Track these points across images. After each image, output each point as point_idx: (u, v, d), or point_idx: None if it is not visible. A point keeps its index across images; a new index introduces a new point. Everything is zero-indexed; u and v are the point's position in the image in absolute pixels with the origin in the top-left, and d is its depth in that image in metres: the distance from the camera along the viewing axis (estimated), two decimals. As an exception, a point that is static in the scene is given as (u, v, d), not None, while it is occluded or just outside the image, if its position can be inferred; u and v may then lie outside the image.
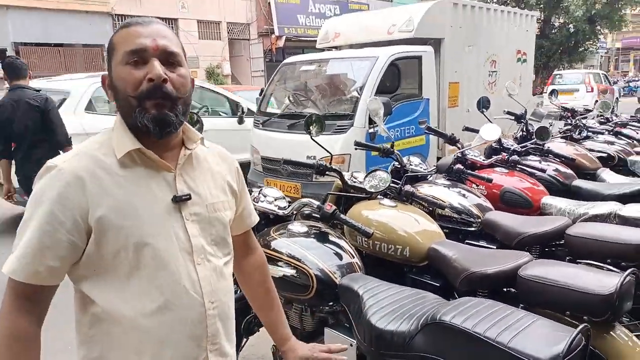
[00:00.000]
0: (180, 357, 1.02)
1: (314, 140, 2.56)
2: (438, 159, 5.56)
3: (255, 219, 1.33)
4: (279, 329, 1.38)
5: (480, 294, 2.01)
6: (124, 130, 1.01)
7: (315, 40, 6.99)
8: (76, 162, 0.97)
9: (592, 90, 14.65)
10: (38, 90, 4.00)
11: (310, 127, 2.63)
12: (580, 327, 1.21)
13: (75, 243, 0.94)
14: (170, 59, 1.00)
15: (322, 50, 6.70)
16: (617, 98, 15.85)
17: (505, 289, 2.03)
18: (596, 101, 6.96)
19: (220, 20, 16.02)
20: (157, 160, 1.02)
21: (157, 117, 0.98)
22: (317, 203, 2.10)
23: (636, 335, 1.77)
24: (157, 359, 1.00)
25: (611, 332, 1.66)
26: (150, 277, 0.98)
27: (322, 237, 2.04)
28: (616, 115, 5.42)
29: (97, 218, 0.94)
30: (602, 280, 1.65)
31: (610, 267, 2.03)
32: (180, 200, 1.03)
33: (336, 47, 6.56)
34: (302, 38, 16.52)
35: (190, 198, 1.04)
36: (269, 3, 16.22)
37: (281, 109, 5.58)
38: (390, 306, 1.64)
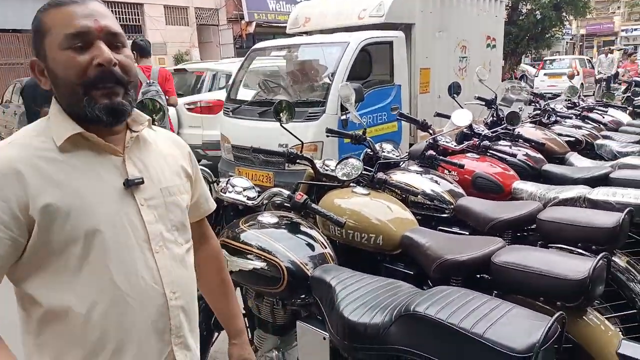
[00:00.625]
0: (144, 352, 0.96)
1: (284, 128, 2.48)
2: (410, 145, 5.55)
3: (212, 205, 1.29)
4: (234, 321, 1.33)
5: (454, 281, 1.98)
6: (62, 116, 0.94)
7: (286, 27, 6.86)
8: (10, 151, 0.88)
9: (578, 74, 16.05)
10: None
11: (280, 114, 2.55)
12: (556, 315, 1.19)
13: (16, 239, 0.86)
14: (114, 41, 0.93)
15: (293, 35, 6.57)
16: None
17: (478, 276, 2.02)
18: (582, 84, 7.88)
19: (188, 5, 15.59)
20: (103, 144, 0.95)
21: (109, 106, 0.91)
22: (288, 192, 2.04)
23: (607, 318, 1.78)
24: (118, 357, 0.93)
25: (584, 317, 1.66)
26: (103, 269, 0.91)
27: (293, 228, 1.97)
28: (583, 100, 5.51)
29: (40, 209, 0.86)
30: (575, 266, 1.64)
31: (582, 251, 2.05)
32: (132, 185, 0.96)
33: (306, 33, 6.44)
34: (273, 24, 16.26)
35: (143, 182, 0.98)
36: (238, -12, 15.88)
37: (251, 96, 5.46)
38: (363, 297, 1.60)
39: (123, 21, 13.76)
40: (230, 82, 5.82)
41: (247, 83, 5.76)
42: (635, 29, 36.13)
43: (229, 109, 5.33)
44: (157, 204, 1.00)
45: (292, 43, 5.67)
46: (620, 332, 1.76)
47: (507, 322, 1.21)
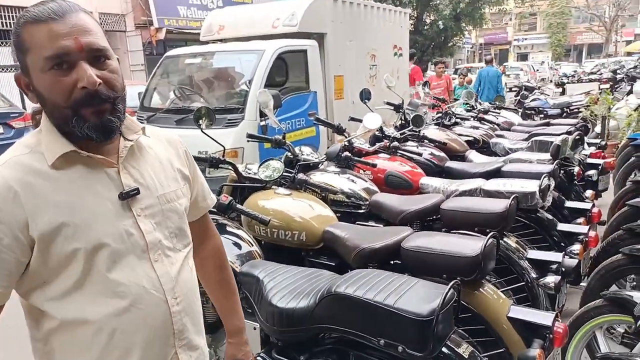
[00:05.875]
0: (148, 357, 0.98)
1: (205, 134, 2.55)
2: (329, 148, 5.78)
3: (212, 201, 1.28)
4: (232, 319, 1.35)
5: (371, 267, 2.18)
6: (53, 132, 0.93)
7: (199, 33, 6.84)
8: (3, 172, 0.88)
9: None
10: None
11: (200, 121, 2.62)
12: (451, 283, 1.41)
13: (18, 259, 0.88)
14: (98, 56, 0.91)
15: (207, 43, 6.58)
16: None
17: (392, 262, 2.23)
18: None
19: (91, 10, 14.85)
20: (96, 157, 0.95)
21: (98, 125, 0.90)
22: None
23: (502, 291, 2.07)
24: None
25: (480, 289, 1.93)
26: (105, 282, 0.93)
27: (220, 229, 2.05)
28: (480, 103, 6.09)
29: (40, 229, 0.87)
30: (469, 245, 1.90)
31: (477, 235, 2.34)
32: (128, 197, 0.96)
33: (221, 40, 6.48)
34: (184, 30, 15.91)
35: (138, 192, 0.98)
36: (146, -7, 15.38)
37: (166, 104, 5.40)
38: (289, 286, 1.74)
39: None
40: (144, 89, 5.71)
41: (161, 91, 5.68)
42: (525, 39, 39.90)
43: (143, 117, 5.23)
44: (155, 212, 1.00)
45: (207, 50, 5.70)
46: (511, 300, 2.06)
47: (413, 293, 1.41)
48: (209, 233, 1.31)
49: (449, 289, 1.38)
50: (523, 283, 2.34)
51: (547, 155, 3.58)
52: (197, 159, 2.64)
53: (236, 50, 5.44)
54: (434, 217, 2.68)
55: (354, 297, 1.44)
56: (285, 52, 5.25)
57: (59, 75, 0.88)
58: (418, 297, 1.40)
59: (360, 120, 3.77)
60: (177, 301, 1.01)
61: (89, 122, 0.90)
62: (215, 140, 2.58)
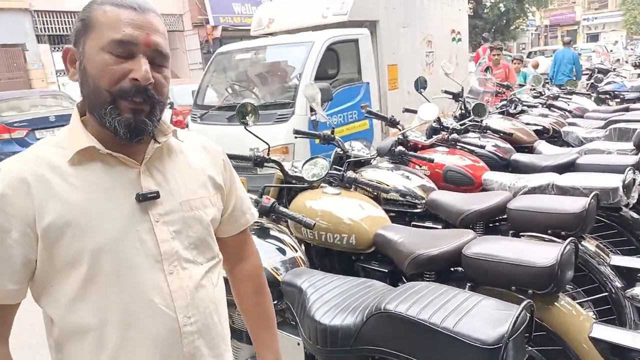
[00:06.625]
0: None
1: (248, 131, 2.43)
2: (383, 142, 5.55)
3: (252, 217, 1.17)
4: (265, 353, 1.20)
5: (427, 275, 1.98)
6: (78, 128, 0.90)
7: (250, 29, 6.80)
8: (19, 163, 0.86)
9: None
10: None
11: (247, 117, 2.50)
12: (523, 304, 1.18)
13: (27, 256, 0.84)
14: (158, 60, 0.89)
15: (257, 37, 6.52)
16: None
17: (452, 269, 2.01)
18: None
19: (153, 12, 15.35)
20: (117, 156, 0.90)
21: (131, 123, 0.86)
22: (255, 197, 1.99)
23: (580, 302, 1.80)
24: None
25: (555, 303, 1.66)
26: (110, 291, 0.86)
27: (262, 233, 1.93)
28: (548, 89, 5.61)
29: (45, 226, 0.83)
30: (543, 253, 1.65)
31: (552, 238, 2.06)
32: (145, 199, 0.89)
33: (271, 34, 6.39)
34: (240, 27, 16.11)
35: (158, 196, 0.91)
36: (202, -8, 15.70)
37: (219, 101, 5.39)
38: (335, 299, 1.57)
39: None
40: (197, 87, 5.73)
41: (215, 88, 5.68)
42: (596, 18, 37.18)
43: (196, 115, 5.25)
44: (175, 220, 0.93)
45: (257, 45, 5.62)
46: (593, 316, 1.78)
47: (476, 314, 1.20)
48: (247, 252, 1.21)
49: (521, 310, 1.16)
50: (606, 294, 2.04)
51: (630, 145, 3.18)
52: (239, 157, 2.55)
53: (285, 43, 5.31)
54: (500, 217, 2.41)
55: (406, 316, 1.25)
56: (335, 43, 5.05)
57: (115, 60, 0.85)
58: (483, 319, 1.18)
59: (415, 112, 3.54)
60: (191, 321, 0.93)
61: (122, 117, 0.86)
62: (259, 138, 2.45)
